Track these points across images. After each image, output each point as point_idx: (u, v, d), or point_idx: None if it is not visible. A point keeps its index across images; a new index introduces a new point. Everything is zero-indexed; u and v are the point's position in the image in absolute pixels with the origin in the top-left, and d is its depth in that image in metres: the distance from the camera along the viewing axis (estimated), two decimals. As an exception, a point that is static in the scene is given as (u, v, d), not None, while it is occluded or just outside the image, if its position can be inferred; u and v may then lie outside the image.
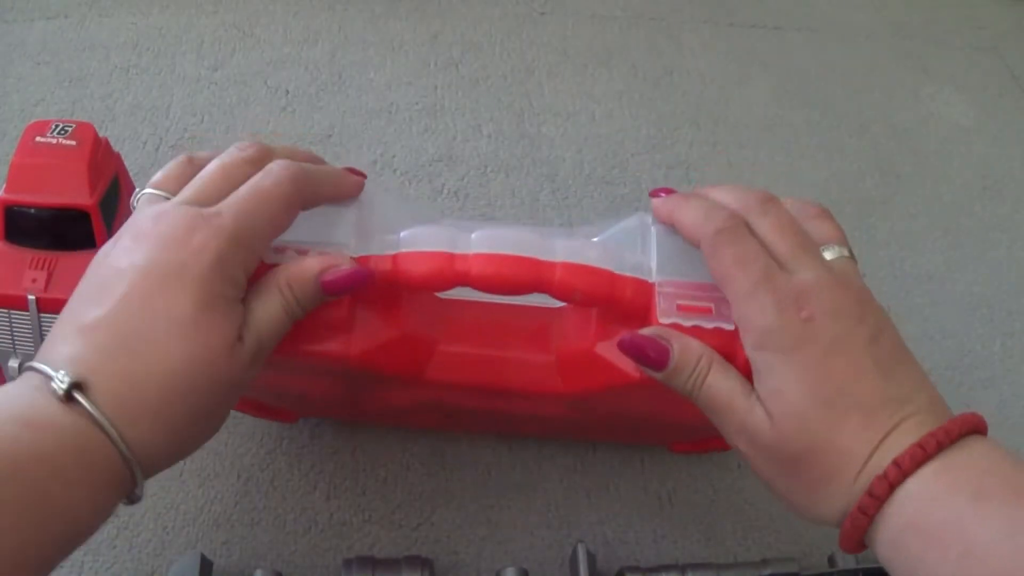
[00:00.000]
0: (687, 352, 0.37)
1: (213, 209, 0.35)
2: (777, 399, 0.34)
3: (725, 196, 0.39)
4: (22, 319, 0.48)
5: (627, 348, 0.38)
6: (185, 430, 0.33)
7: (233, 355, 0.33)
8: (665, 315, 0.38)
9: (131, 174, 0.55)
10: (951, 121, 0.75)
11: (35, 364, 0.31)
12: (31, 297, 0.47)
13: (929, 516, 0.32)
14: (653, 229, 0.40)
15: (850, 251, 0.38)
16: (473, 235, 0.39)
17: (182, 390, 0.32)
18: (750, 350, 0.36)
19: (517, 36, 0.77)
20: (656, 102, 0.73)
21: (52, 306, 0.48)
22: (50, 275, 0.48)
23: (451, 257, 0.38)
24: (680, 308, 0.39)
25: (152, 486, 0.50)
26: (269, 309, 0.36)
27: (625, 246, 0.40)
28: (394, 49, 0.74)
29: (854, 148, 0.72)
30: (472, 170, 0.67)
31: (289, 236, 0.38)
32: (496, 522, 0.50)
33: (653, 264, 0.39)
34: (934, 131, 0.74)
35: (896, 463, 0.32)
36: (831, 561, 0.47)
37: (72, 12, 0.74)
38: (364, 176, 0.41)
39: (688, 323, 0.38)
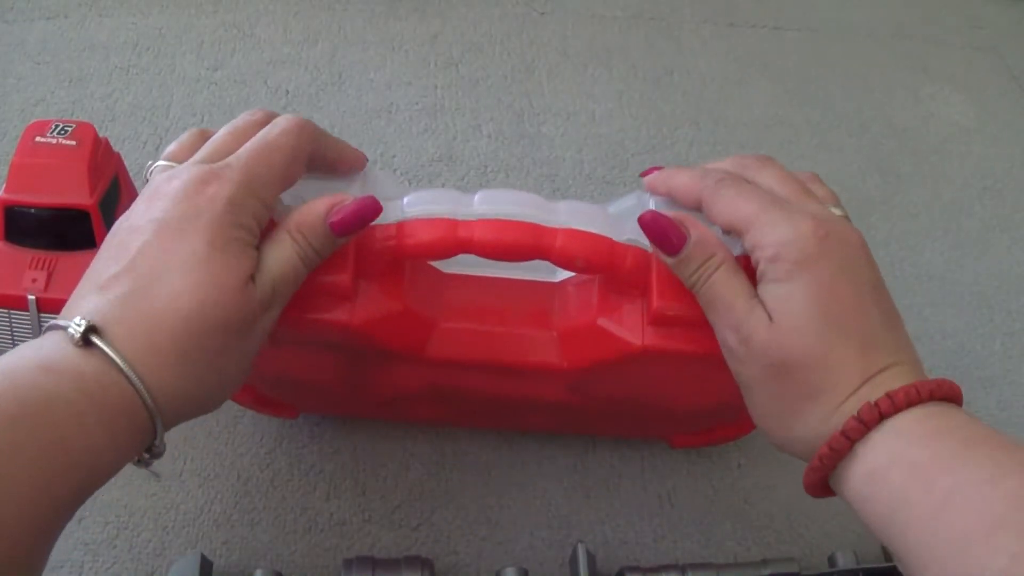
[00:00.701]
0: (703, 243, 0.37)
1: (223, 162, 0.36)
2: (781, 304, 0.34)
3: (721, 164, 0.40)
4: (22, 319, 0.48)
5: (647, 224, 0.38)
6: (203, 375, 0.33)
7: (245, 295, 0.34)
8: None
9: (131, 174, 0.55)
10: (951, 121, 0.75)
11: (55, 320, 0.32)
12: (31, 297, 0.47)
13: (916, 451, 0.31)
14: (651, 202, 0.41)
15: (845, 213, 0.38)
16: (476, 196, 0.40)
17: (196, 330, 0.32)
18: (764, 263, 0.35)
19: (517, 36, 0.77)
20: (656, 102, 0.73)
21: (52, 306, 0.48)
22: (50, 275, 0.48)
23: (454, 224, 0.38)
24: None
25: (152, 486, 0.50)
26: (280, 253, 0.36)
27: (626, 216, 0.41)
28: (394, 49, 0.74)
29: (854, 148, 0.72)
30: (472, 170, 0.67)
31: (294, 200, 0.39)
32: (496, 522, 0.50)
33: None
34: (934, 131, 0.74)
35: (889, 396, 0.32)
36: (831, 561, 0.47)
37: (72, 12, 0.74)
38: (366, 158, 0.42)
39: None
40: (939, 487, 0.30)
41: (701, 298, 0.37)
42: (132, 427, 0.31)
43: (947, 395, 0.33)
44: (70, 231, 0.49)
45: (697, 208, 0.39)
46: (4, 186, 0.49)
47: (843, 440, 0.33)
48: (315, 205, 0.37)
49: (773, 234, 0.35)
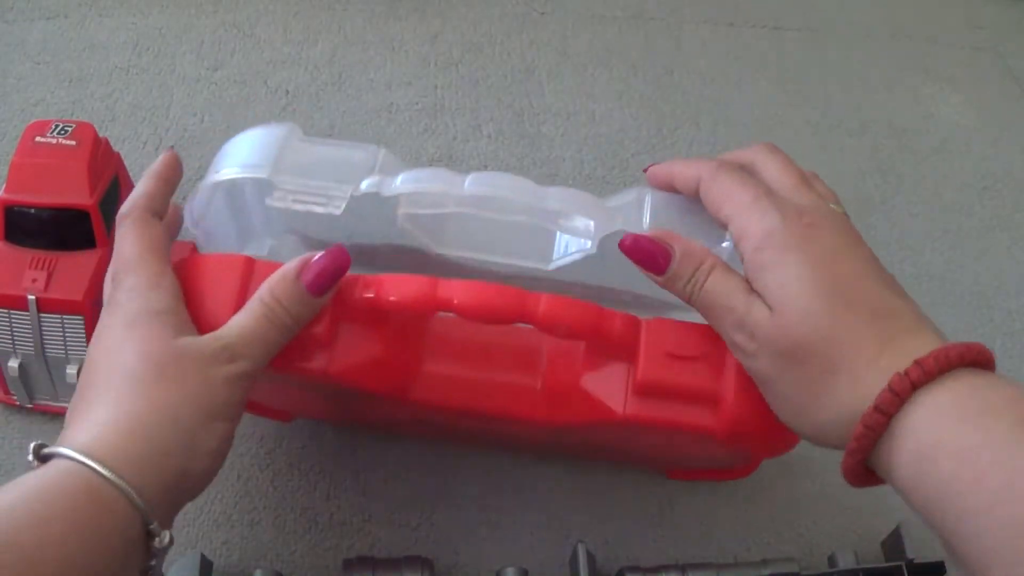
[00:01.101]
0: (689, 255, 0.36)
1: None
2: (779, 291, 0.33)
3: (733, 154, 0.40)
4: (22, 319, 0.48)
5: (628, 249, 0.37)
6: (176, 462, 0.33)
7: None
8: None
9: (131, 174, 0.55)
10: (951, 121, 0.75)
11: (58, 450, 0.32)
12: (31, 297, 0.47)
13: (964, 435, 0.29)
14: (649, 196, 0.40)
15: (844, 211, 0.38)
16: (468, 178, 0.40)
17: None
18: (749, 253, 0.35)
19: (517, 36, 0.77)
20: (656, 102, 0.73)
21: (52, 306, 0.48)
22: (50, 275, 0.48)
23: (434, 283, 0.38)
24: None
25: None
26: (242, 317, 0.36)
27: (621, 208, 0.40)
28: (394, 49, 0.74)
29: (854, 148, 0.72)
30: (472, 170, 0.67)
31: (297, 175, 0.40)
32: (496, 522, 0.50)
33: (646, 219, 0.39)
34: (934, 131, 0.74)
35: (919, 363, 0.30)
36: (831, 561, 0.47)
37: (72, 12, 0.74)
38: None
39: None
40: (993, 480, 0.28)
41: (698, 307, 0.37)
42: (122, 527, 0.31)
43: (977, 359, 0.31)
44: (70, 231, 0.49)
45: (695, 193, 0.38)
46: (4, 186, 0.49)
47: (877, 415, 0.31)
48: (285, 268, 0.37)
49: (760, 223, 0.34)
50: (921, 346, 0.31)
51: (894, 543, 0.47)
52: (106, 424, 0.33)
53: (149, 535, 0.32)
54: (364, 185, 0.41)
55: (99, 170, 0.50)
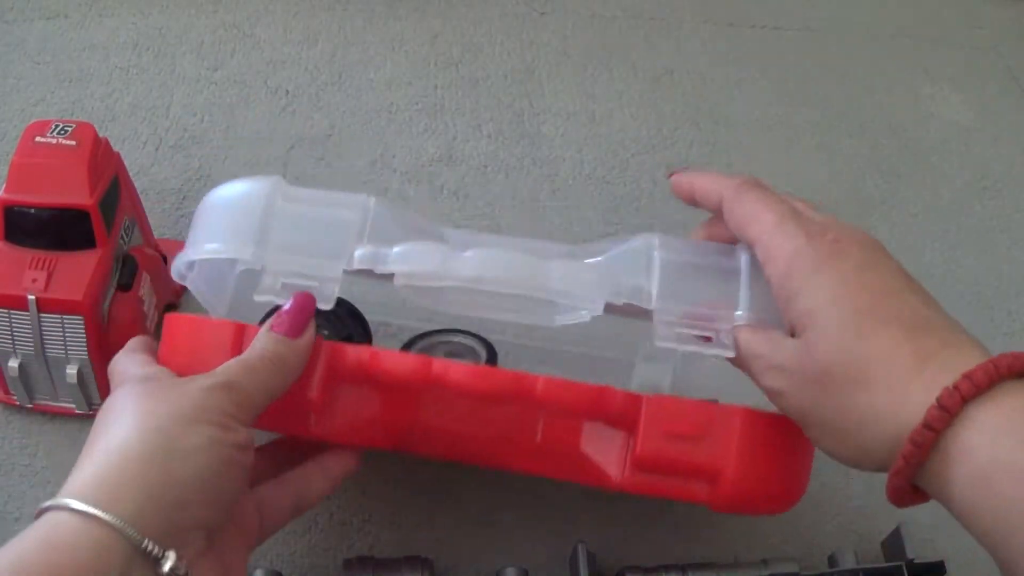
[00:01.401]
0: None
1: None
2: (807, 318, 0.33)
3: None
4: (22, 319, 0.48)
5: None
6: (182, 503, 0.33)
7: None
8: (663, 341, 0.38)
9: (131, 174, 0.55)
10: (951, 121, 0.75)
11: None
12: (31, 297, 0.47)
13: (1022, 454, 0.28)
14: (657, 254, 0.39)
15: None
16: (467, 253, 0.38)
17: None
18: (777, 279, 0.34)
19: (517, 36, 0.77)
20: (656, 102, 0.73)
21: (52, 306, 0.48)
22: (50, 275, 0.48)
23: (428, 362, 0.38)
24: (680, 337, 0.38)
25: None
26: (230, 360, 0.37)
27: (627, 268, 0.39)
28: (394, 49, 0.74)
29: (854, 148, 0.72)
30: (472, 170, 0.67)
31: (284, 251, 0.39)
32: (496, 522, 0.50)
33: (654, 290, 0.39)
34: (934, 131, 0.74)
35: (968, 376, 0.29)
36: (831, 561, 0.47)
37: (72, 12, 0.74)
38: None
39: (687, 348, 0.38)
40: None
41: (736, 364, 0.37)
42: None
43: None
44: (70, 231, 0.49)
45: (717, 208, 0.38)
46: (4, 186, 0.49)
47: (926, 432, 0.29)
48: (263, 327, 0.38)
49: (786, 246, 0.34)
50: (966, 359, 0.30)
51: (894, 543, 0.47)
52: (88, 464, 0.33)
53: (153, 559, 0.31)
54: (357, 258, 0.39)
55: (99, 170, 0.50)
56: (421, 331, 0.51)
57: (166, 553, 0.31)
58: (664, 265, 0.39)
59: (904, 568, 0.46)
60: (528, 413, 0.41)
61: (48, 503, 0.31)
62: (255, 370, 0.36)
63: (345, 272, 0.39)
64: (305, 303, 0.38)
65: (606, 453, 0.39)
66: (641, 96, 0.73)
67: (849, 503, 0.52)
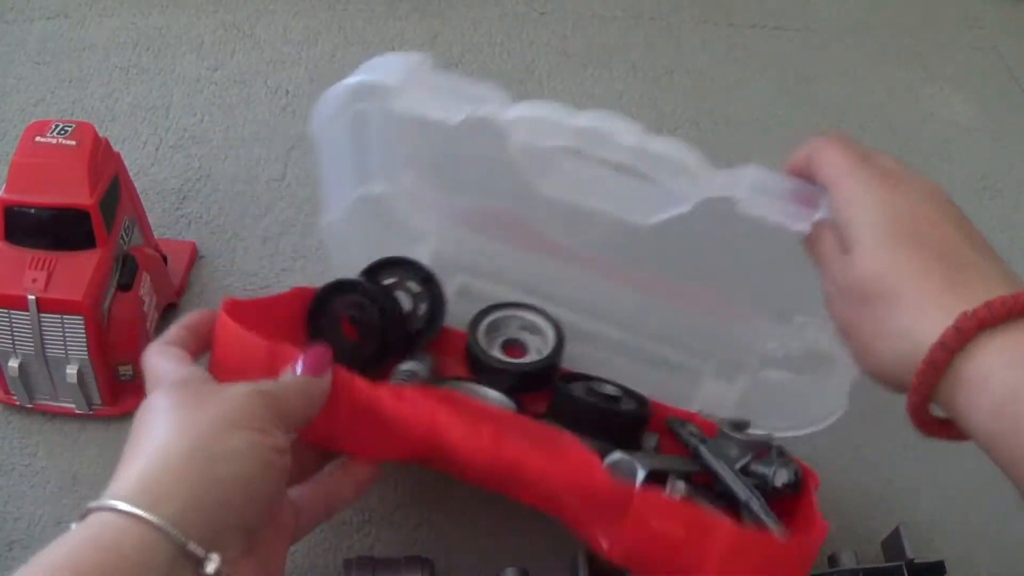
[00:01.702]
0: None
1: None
2: (856, 236, 0.35)
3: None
4: (22, 319, 0.48)
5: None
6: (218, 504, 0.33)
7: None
8: (753, 207, 0.40)
9: (131, 174, 0.55)
10: (951, 121, 0.75)
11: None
12: (31, 297, 0.47)
13: None
14: (751, 169, 0.41)
15: None
16: (581, 114, 0.42)
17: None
18: (841, 206, 0.36)
19: (517, 36, 0.77)
20: (656, 102, 0.73)
21: (52, 306, 0.48)
22: (50, 275, 0.48)
23: (433, 423, 0.39)
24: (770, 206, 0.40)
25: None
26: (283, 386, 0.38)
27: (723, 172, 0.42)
28: (394, 49, 0.74)
29: (854, 148, 0.72)
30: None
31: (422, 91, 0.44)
32: (496, 522, 0.50)
33: (748, 180, 0.41)
34: (934, 131, 0.74)
35: (988, 304, 0.30)
36: (831, 561, 0.47)
37: (72, 12, 0.74)
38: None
39: (774, 216, 0.40)
40: None
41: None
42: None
43: None
44: (70, 231, 0.49)
45: (807, 167, 0.40)
46: (4, 186, 0.49)
47: (941, 351, 0.31)
48: (285, 370, 0.39)
49: (854, 185, 0.36)
50: (992, 290, 0.31)
51: (894, 543, 0.47)
52: (132, 465, 0.33)
53: (196, 560, 0.31)
54: (483, 109, 0.43)
55: (99, 170, 0.50)
56: (498, 301, 0.53)
57: (210, 555, 0.31)
58: (757, 170, 0.41)
59: (904, 568, 0.45)
60: (548, 435, 0.42)
61: (94, 503, 0.31)
62: (288, 387, 0.38)
63: (470, 118, 0.43)
64: (321, 352, 0.40)
65: (599, 523, 0.40)
66: (641, 96, 0.73)
67: (849, 503, 0.52)
